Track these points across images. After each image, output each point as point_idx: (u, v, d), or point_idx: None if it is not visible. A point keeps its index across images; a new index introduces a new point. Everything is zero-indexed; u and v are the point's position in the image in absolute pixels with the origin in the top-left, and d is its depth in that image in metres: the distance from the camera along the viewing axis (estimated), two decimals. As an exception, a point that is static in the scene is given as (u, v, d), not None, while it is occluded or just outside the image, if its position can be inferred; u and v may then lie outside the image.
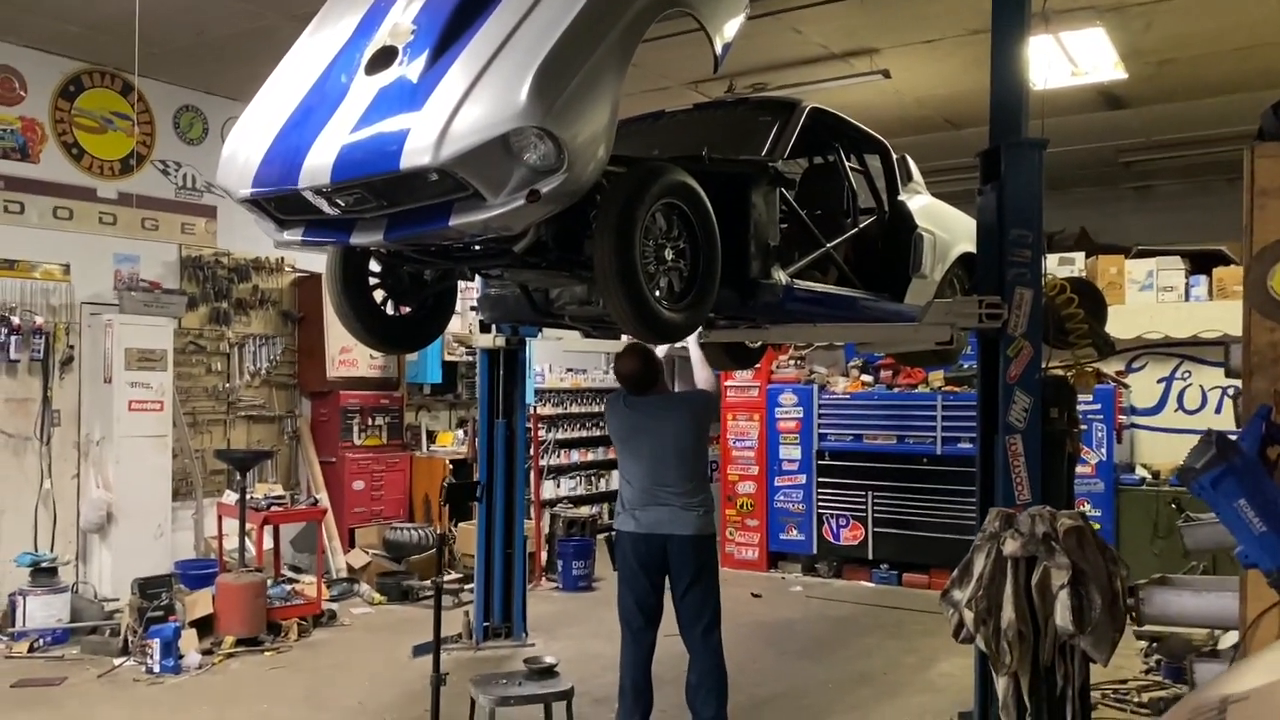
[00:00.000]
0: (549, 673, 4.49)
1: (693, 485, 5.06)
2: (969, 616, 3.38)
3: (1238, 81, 7.92)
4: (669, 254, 4.05)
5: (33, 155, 7.59)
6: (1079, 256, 9.30)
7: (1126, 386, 8.84)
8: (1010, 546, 3.35)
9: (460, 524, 9.08)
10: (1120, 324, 8.69)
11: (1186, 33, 6.99)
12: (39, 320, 7.49)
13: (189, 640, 6.57)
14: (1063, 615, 3.26)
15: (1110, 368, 8.79)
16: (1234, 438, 2.60)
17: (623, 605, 5.14)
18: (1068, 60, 7.34)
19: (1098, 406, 8.35)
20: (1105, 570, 3.33)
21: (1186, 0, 6.45)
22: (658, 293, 3.97)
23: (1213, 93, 8.21)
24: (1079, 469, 8.16)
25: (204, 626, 6.87)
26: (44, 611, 7.00)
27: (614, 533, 5.39)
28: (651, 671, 5.11)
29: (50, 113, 7.69)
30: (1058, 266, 9.08)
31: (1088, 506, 8.34)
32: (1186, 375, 8.86)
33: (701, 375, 5.54)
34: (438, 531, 4.71)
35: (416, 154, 3.47)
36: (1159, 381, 8.98)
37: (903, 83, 8.11)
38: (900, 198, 5.87)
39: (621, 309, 3.87)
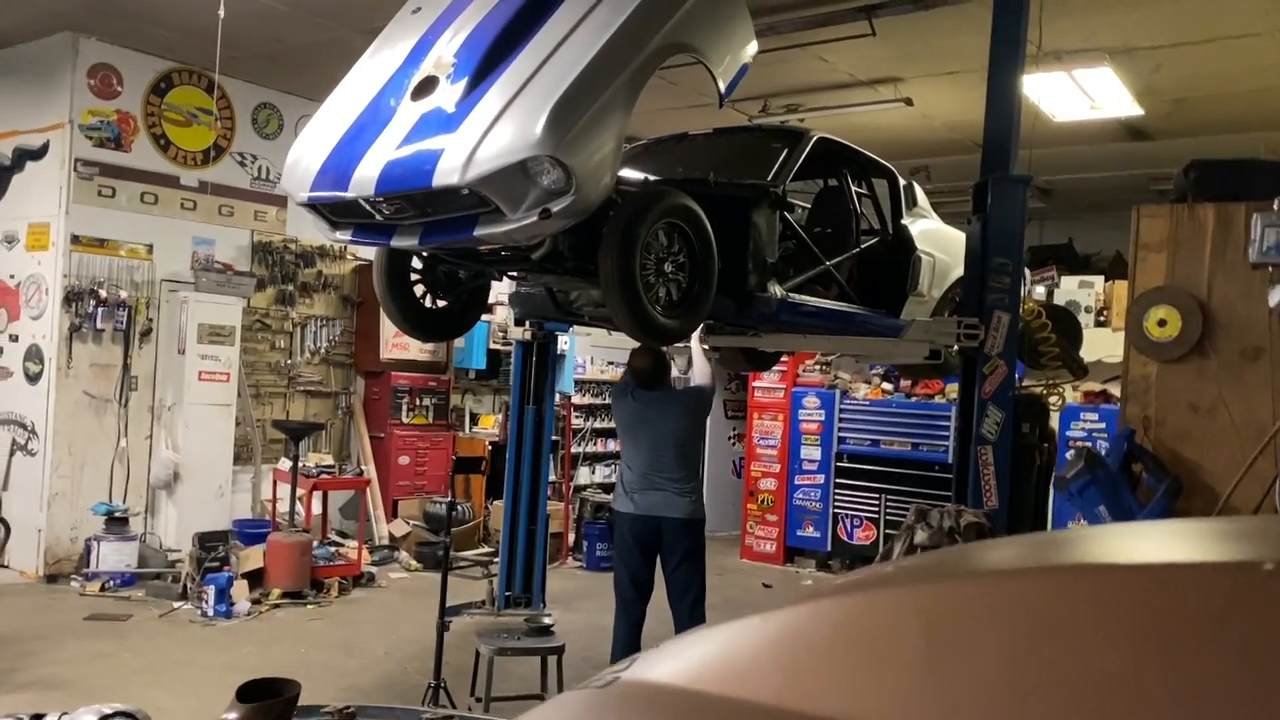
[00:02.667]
0: (545, 631, 5.08)
1: (686, 473, 5.62)
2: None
3: (1253, 120, 8.19)
4: (668, 267, 4.59)
5: (125, 145, 8.37)
6: (1098, 280, 9.60)
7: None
8: (920, 536, 3.85)
9: (495, 501, 9.71)
10: (1132, 347, 9.03)
11: (1196, 74, 7.31)
12: (123, 294, 8.27)
13: (240, 590, 7.29)
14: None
15: (1118, 389, 9.12)
16: (1101, 453, 3.06)
17: (618, 579, 5.72)
18: (1084, 95, 7.69)
19: (1102, 425, 8.68)
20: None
21: (1192, 47, 6.78)
22: (655, 301, 4.52)
23: (1231, 129, 8.48)
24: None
25: (254, 579, 7.58)
26: (115, 556, 7.78)
27: (612, 512, 5.96)
28: (641, 641, 5.67)
29: (143, 107, 8.47)
30: (1078, 290, 9.43)
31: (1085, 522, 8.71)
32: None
33: (699, 368, 6.08)
34: (449, 500, 5.33)
35: (447, 174, 4.06)
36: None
37: (928, 109, 8.52)
38: (903, 221, 6.31)
39: (621, 314, 4.43)
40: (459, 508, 9.85)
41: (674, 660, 0.91)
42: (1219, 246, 3.44)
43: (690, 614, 5.61)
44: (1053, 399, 5.58)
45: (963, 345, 5.42)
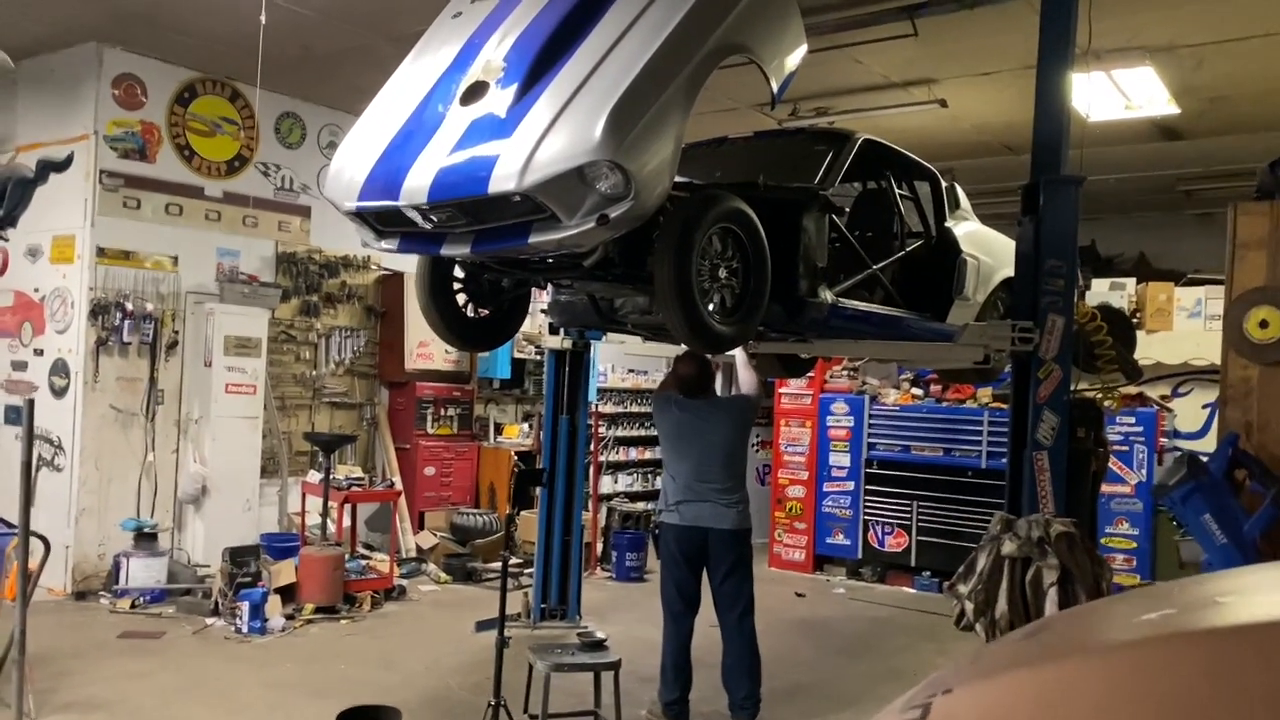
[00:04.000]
0: (599, 645, 4.97)
1: (733, 483, 5.52)
2: (969, 608, 3.79)
3: (1290, 118, 8.11)
4: (722, 273, 4.50)
5: (150, 156, 8.29)
6: (1130, 282, 9.51)
7: (1170, 410, 9.05)
8: (1008, 547, 3.75)
9: (522, 512, 9.62)
10: (1167, 349, 8.94)
11: (1237, 72, 7.22)
12: (149, 307, 8.19)
13: (274, 605, 7.19)
14: (1051, 610, 3.65)
15: (1155, 392, 9.02)
16: (1204, 459, 2.97)
17: (665, 591, 5.62)
18: (1120, 95, 7.61)
19: (1140, 429, 8.59)
20: (1092, 572, 3.71)
21: (1235, 43, 6.70)
22: (711, 307, 4.42)
23: (1268, 127, 8.39)
24: (1119, 488, 8.46)
25: (286, 593, 7.48)
26: (144, 572, 7.69)
27: (657, 525, 5.85)
28: (691, 653, 5.57)
29: (166, 117, 8.39)
30: (1109, 291, 9.33)
31: (1126, 525, 8.62)
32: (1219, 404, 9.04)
33: (745, 378, 5.98)
34: (508, 513, 5.18)
35: (502, 180, 3.97)
36: (1204, 407, 9.16)
37: (960, 111, 8.44)
38: (947, 223, 6.22)
39: (677, 321, 4.34)
40: (485, 518, 9.77)
41: (989, 709, 0.81)
42: (1324, 244, 3.37)
43: (739, 626, 5.51)
44: (1108, 403, 5.49)
45: (1017, 349, 5.32)
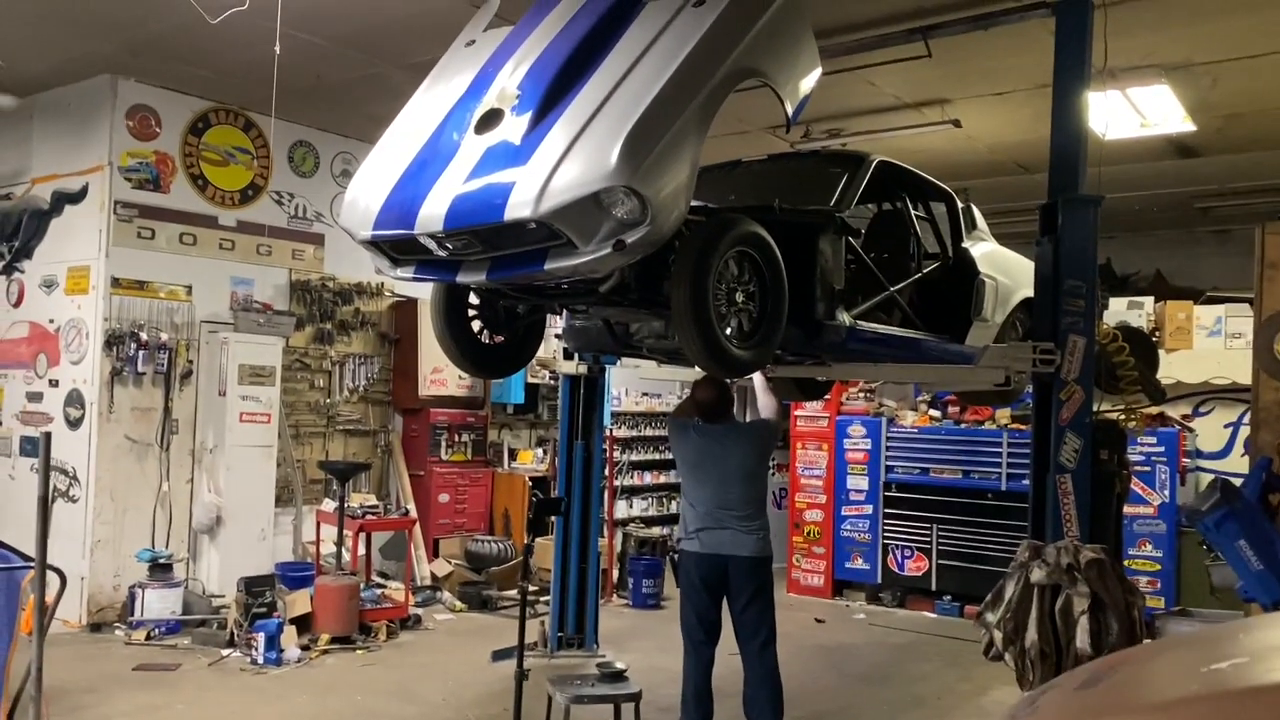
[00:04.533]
0: (619, 676, 4.90)
1: (753, 510, 5.45)
2: (998, 636, 3.72)
3: (1308, 135, 8.06)
4: (739, 297, 4.46)
5: (164, 186, 8.32)
6: (1148, 301, 9.42)
7: (1191, 430, 8.95)
8: (1037, 575, 3.68)
9: (537, 539, 9.55)
10: (1187, 369, 8.85)
11: (1253, 89, 7.18)
12: (163, 337, 8.19)
13: (289, 636, 7.13)
14: (1082, 639, 3.58)
15: (1176, 411, 8.93)
16: (1238, 484, 2.90)
17: (685, 620, 5.54)
18: (1136, 113, 7.57)
19: (1161, 449, 8.49)
20: (1124, 600, 3.64)
21: (1250, 61, 6.66)
22: (728, 331, 4.39)
23: (1281, 145, 8.35)
24: (1141, 510, 8.36)
25: (301, 624, 7.42)
26: (160, 604, 7.65)
27: (676, 552, 5.78)
28: (711, 682, 5.49)
29: (180, 147, 8.42)
30: (1127, 310, 9.25)
31: (1149, 547, 8.50)
32: (1250, 426, 8.94)
33: (765, 403, 5.93)
34: (525, 543, 5.12)
35: (518, 207, 3.95)
36: (1225, 426, 9.07)
37: (974, 131, 8.41)
38: (964, 244, 6.17)
39: (694, 346, 4.30)
40: (499, 545, 9.72)
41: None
42: (1356, 263, 3.32)
43: (761, 655, 5.43)
44: (1131, 424, 5.43)
45: (1038, 371, 5.26)
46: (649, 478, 12.49)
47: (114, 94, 8.04)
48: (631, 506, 12.08)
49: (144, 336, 8.08)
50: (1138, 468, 8.23)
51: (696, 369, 6.68)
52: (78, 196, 8.24)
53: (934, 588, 9.54)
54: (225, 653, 7.10)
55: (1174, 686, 0.87)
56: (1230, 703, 0.78)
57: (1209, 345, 8.94)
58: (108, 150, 8.03)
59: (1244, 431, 9.01)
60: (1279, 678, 0.81)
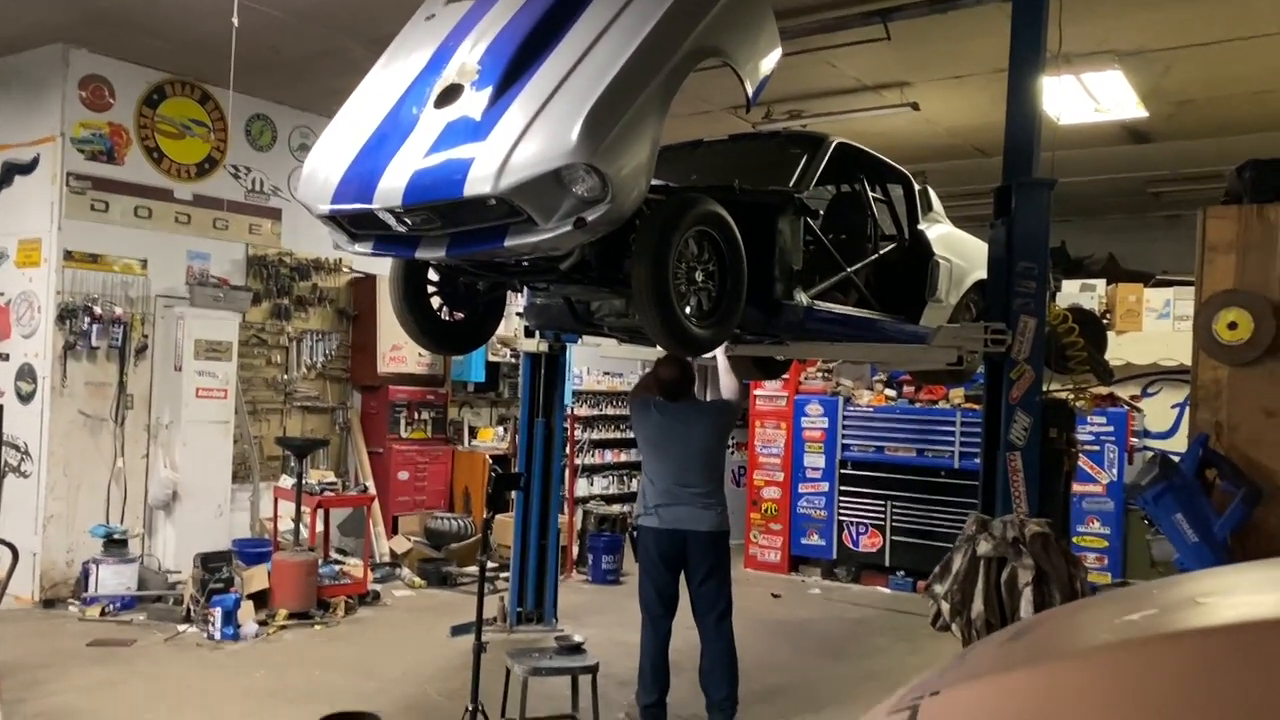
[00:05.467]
0: (577, 649, 4.96)
1: (712, 487, 5.52)
2: (946, 608, 3.82)
3: (1257, 122, 8.24)
4: (699, 276, 4.50)
5: (118, 158, 8.19)
6: (1100, 284, 9.61)
7: (1139, 410, 9.15)
8: (983, 547, 3.78)
9: (497, 515, 9.58)
10: (1137, 350, 9.04)
11: (1203, 77, 7.33)
12: (118, 311, 8.09)
13: (246, 611, 7.12)
14: (1026, 609, 3.68)
15: (1126, 392, 9.13)
16: (1175, 460, 3.00)
17: (644, 594, 5.61)
18: (1090, 98, 7.69)
19: (1110, 429, 8.69)
20: (1067, 572, 3.75)
21: (1202, 48, 6.79)
22: (688, 310, 4.43)
23: (1233, 131, 8.51)
24: (1090, 488, 8.55)
25: (259, 600, 7.41)
26: (114, 579, 7.59)
27: (635, 529, 5.84)
28: (669, 656, 5.56)
29: (135, 119, 8.29)
30: (1080, 293, 9.43)
31: (1097, 524, 8.71)
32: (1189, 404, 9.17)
33: (726, 384, 5.99)
34: (484, 518, 5.14)
35: (478, 183, 3.95)
36: (1173, 407, 9.29)
37: (933, 114, 8.50)
38: (920, 226, 6.26)
39: (654, 324, 4.34)
40: (459, 523, 9.73)
41: (977, 711, 0.82)
42: (1293, 247, 3.43)
43: (718, 628, 5.51)
44: (1080, 403, 5.55)
45: (989, 350, 5.36)
46: (610, 456, 12.54)
47: (66, 63, 7.89)
48: (592, 484, 12.12)
49: (98, 310, 7.97)
50: (1087, 447, 8.42)
51: (657, 348, 6.73)
52: (29, 167, 8.10)
53: (888, 563, 9.71)
54: (181, 628, 7.07)
55: (1091, 636, 0.93)
56: (1139, 648, 0.84)
57: (1158, 327, 9.14)
58: (59, 121, 7.89)
59: (1190, 412, 9.23)
60: (1183, 626, 0.87)
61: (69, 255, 7.92)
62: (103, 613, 7.39)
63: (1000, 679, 0.86)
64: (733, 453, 11.87)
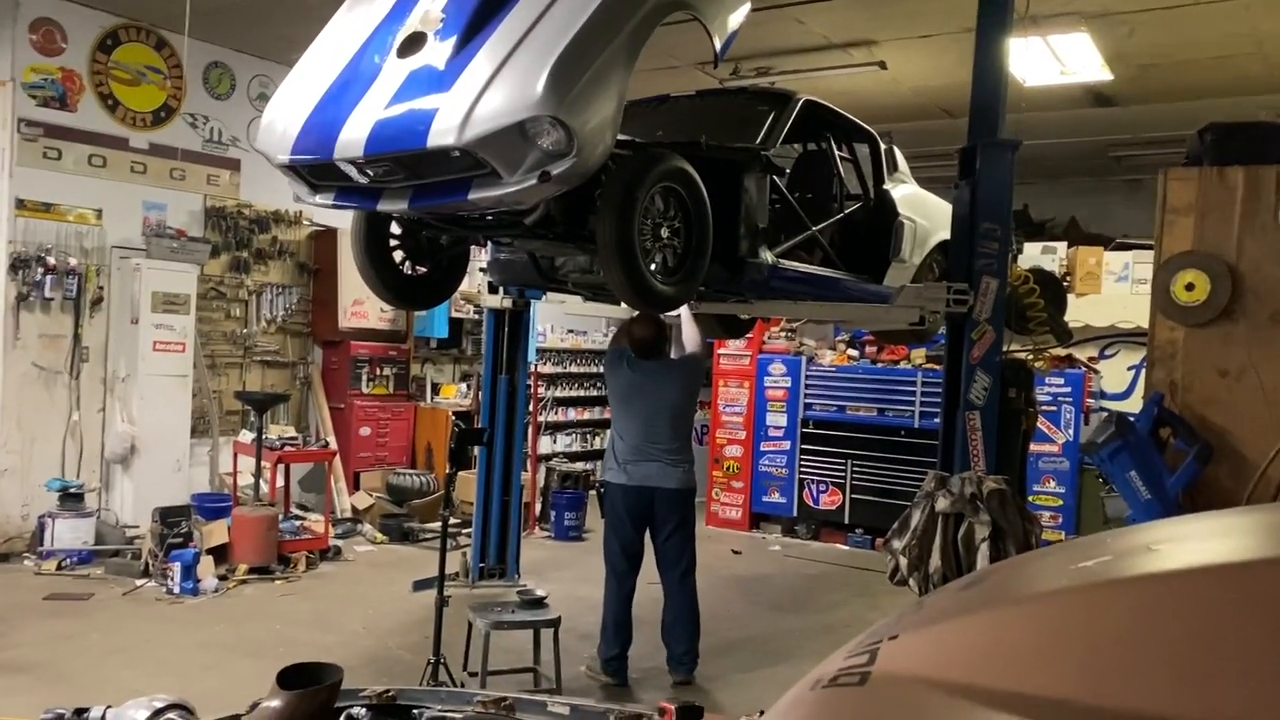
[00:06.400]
0: (540, 603, 5.00)
1: (680, 444, 5.56)
2: (904, 563, 3.88)
3: (1217, 86, 8.30)
4: (664, 232, 4.48)
5: (71, 105, 7.99)
6: (1061, 246, 9.70)
7: (1096, 372, 9.30)
8: (941, 504, 3.84)
9: (460, 472, 9.57)
10: (1096, 312, 9.15)
11: (1167, 41, 7.36)
12: (72, 261, 7.93)
13: (206, 566, 7.08)
14: (983, 564, 3.75)
15: (1084, 354, 9.26)
16: (1131, 418, 3.05)
17: (609, 550, 5.65)
18: (1056, 60, 7.71)
19: (1068, 390, 8.82)
20: (1022, 528, 3.82)
21: (1166, 11, 6.82)
22: (653, 267, 4.41)
23: (1194, 96, 8.58)
24: (1047, 448, 8.69)
25: (219, 554, 7.37)
26: (71, 534, 7.51)
27: (602, 484, 5.87)
28: (632, 611, 5.62)
29: (88, 65, 8.08)
30: (1041, 255, 9.51)
31: (1053, 483, 8.87)
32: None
33: (689, 335, 6.00)
34: (447, 473, 5.13)
35: (441, 134, 3.89)
36: (1129, 369, 9.43)
37: (899, 73, 8.49)
38: (885, 186, 6.27)
39: (619, 280, 4.32)
40: (421, 479, 9.72)
41: (934, 653, 0.83)
42: (1250, 210, 3.45)
43: (681, 584, 5.57)
44: (1038, 364, 5.63)
45: (951, 310, 5.41)
46: (574, 414, 12.55)
47: (15, 5, 7.67)
48: (555, 442, 12.14)
49: (52, 261, 7.82)
50: (1044, 407, 8.54)
51: (623, 305, 6.73)
52: (-22, 113, 7.87)
53: (847, 521, 9.84)
54: (140, 583, 7.03)
55: (1044, 582, 0.94)
56: (1091, 592, 0.86)
57: (1116, 290, 9.25)
58: (10, 65, 7.68)
59: (1145, 374, 9.38)
60: (1134, 572, 0.89)
61: (21, 204, 7.74)
62: (59, 567, 7.32)
63: (955, 622, 0.88)
64: (697, 410, 11.91)
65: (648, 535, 5.65)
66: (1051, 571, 0.97)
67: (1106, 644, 0.77)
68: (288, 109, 4.42)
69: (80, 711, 1.95)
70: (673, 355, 6.03)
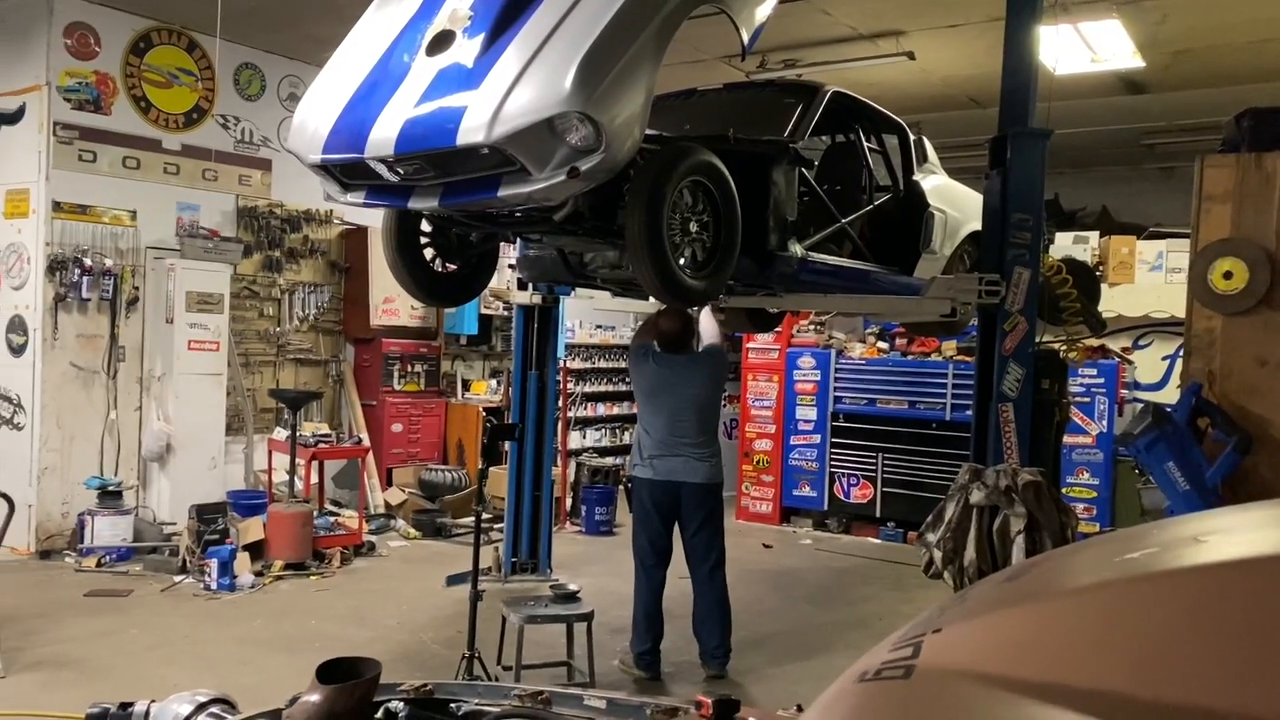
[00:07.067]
0: (572, 597, 5.02)
1: (705, 438, 5.55)
2: (938, 555, 3.86)
3: (1252, 72, 8.19)
4: (693, 227, 4.48)
5: (105, 108, 8.09)
6: (1093, 236, 9.61)
7: (1130, 362, 9.19)
8: (976, 496, 3.81)
9: (491, 468, 9.62)
10: (1129, 302, 9.06)
11: (1201, 25, 7.26)
12: (108, 263, 8.04)
13: (243, 562, 7.16)
14: (1017, 557, 3.73)
15: (1117, 344, 9.16)
16: (1168, 409, 3.02)
17: (637, 544, 5.66)
18: (1087, 48, 7.63)
19: (1101, 380, 8.73)
20: (1058, 520, 3.79)
21: (1200, -4, 6.74)
22: (682, 261, 4.41)
23: (1229, 82, 8.46)
24: (1080, 439, 8.61)
25: (255, 551, 7.45)
26: (110, 531, 7.62)
27: (629, 479, 5.87)
28: (662, 604, 5.63)
29: (122, 68, 8.18)
30: (1072, 245, 9.43)
31: (1087, 475, 8.78)
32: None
33: (709, 328, 6.00)
34: (480, 468, 5.16)
35: (471, 132, 3.91)
36: (1163, 359, 9.33)
37: (928, 63, 8.42)
38: (915, 177, 6.23)
39: (648, 275, 4.32)
40: (453, 474, 9.78)
41: (979, 645, 0.83)
42: (1290, 196, 3.42)
43: (711, 578, 5.57)
44: (1072, 355, 5.58)
45: (983, 302, 5.37)
46: (603, 409, 12.58)
47: (50, 10, 7.76)
48: (585, 437, 12.17)
49: (88, 262, 7.92)
50: (1078, 399, 8.47)
51: (651, 301, 6.73)
52: (15, 117, 8.00)
53: (879, 514, 9.79)
54: (178, 579, 7.12)
55: (1091, 574, 0.94)
56: (1139, 584, 0.85)
57: (1150, 280, 9.15)
58: (45, 69, 7.78)
59: (1181, 364, 9.26)
60: (1183, 564, 0.88)
61: (57, 206, 7.85)
62: (99, 564, 7.43)
63: (1001, 615, 0.88)
64: (724, 405, 11.91)
65: (676, 529, 5.65)
66: (1098, 563, 0.96)
67: (1159, 636, 0.76)
68: (319, 109, 4.46)
69: (125, 706, 1.98)
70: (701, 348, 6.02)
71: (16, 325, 7.98)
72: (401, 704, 2.26)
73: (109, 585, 6.99)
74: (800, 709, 1.81)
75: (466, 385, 11.00)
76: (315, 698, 2.08)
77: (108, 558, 7.50)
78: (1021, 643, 0.82)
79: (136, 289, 8.30)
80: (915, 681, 0.81)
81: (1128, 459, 8.80)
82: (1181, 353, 9.19)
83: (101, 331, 8.12)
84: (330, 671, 2.14)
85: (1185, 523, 1.06)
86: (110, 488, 7.77)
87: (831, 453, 10.05)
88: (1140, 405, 7.26)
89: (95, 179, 8.06)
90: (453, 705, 2.27)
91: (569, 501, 9.94)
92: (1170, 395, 9.28)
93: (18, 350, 7.95)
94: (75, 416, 8.02)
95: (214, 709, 2.05)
